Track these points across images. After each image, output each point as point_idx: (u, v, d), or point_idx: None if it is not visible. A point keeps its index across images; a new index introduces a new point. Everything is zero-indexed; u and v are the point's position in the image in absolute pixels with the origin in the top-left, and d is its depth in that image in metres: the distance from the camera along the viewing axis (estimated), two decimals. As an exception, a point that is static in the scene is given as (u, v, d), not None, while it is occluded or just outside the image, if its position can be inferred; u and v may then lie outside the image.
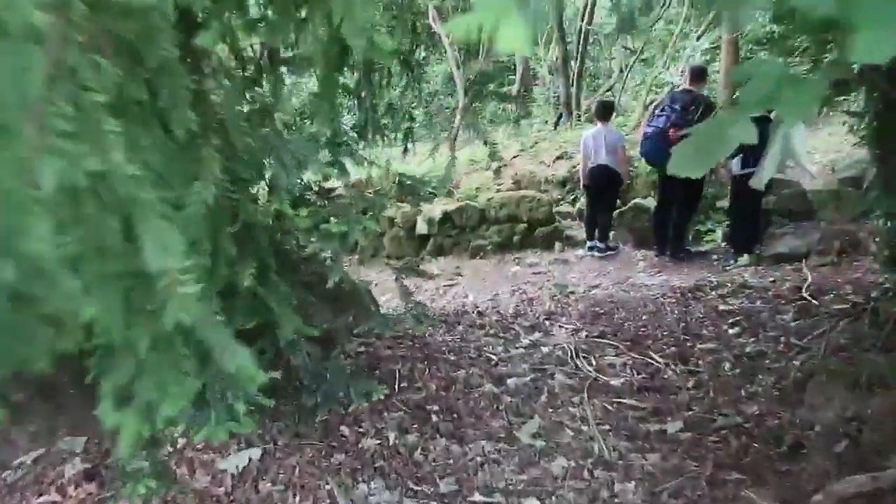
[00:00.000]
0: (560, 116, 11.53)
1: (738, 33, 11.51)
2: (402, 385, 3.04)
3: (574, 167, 8.40)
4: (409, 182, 2.91)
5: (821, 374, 2.73)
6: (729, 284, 4.38)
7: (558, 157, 8.93)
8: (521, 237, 7.16)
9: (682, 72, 10.43)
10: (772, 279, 4.41)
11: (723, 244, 6.03)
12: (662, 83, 11.70)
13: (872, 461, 2.11)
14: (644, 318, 3.93)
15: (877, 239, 3.50)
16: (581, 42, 11.06)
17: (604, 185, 6.17)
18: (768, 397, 2.81)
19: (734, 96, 8.70)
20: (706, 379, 3.07)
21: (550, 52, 13.93)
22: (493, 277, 6.37)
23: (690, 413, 2.76)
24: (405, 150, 3.77)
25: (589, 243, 6.51)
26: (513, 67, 14.36)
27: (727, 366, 3.19)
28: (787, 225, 5.56)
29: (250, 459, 2.38)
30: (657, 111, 5.71)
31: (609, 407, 2.86)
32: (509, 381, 3.14)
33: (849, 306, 3.31)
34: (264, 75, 2.31)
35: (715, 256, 5.76)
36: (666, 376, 3.15)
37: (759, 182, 1.19)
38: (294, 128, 2.70)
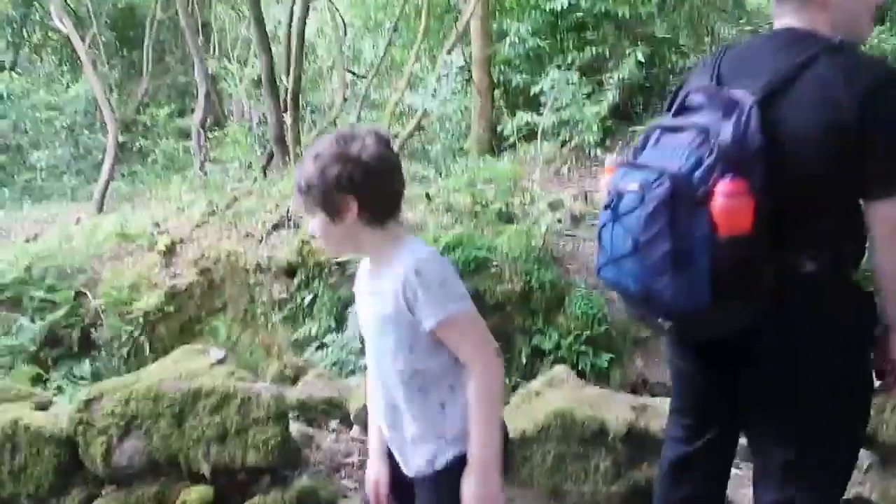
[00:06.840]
0: (271, 156, 7.59)
1: (491, 52, 9.08)
2: None
3: (307, 242, 4.60)
4: None
5: None
6: None
7: (276, 226, 4.98)
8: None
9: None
10: None
11: None
12: (408, 109, 8.75)
13: None
14: None
15: None
16: (296, 41, 7.27)
17: None
18: None
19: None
20: None
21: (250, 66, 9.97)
22: None
23: None
24: None
25: None
26: (193, 90, 10.05)
27: None
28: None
29: None
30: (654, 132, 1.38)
31: None
32: None
33: None
34: None
35: None
36: None
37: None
38: None
